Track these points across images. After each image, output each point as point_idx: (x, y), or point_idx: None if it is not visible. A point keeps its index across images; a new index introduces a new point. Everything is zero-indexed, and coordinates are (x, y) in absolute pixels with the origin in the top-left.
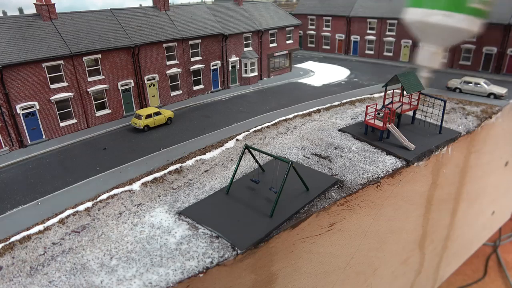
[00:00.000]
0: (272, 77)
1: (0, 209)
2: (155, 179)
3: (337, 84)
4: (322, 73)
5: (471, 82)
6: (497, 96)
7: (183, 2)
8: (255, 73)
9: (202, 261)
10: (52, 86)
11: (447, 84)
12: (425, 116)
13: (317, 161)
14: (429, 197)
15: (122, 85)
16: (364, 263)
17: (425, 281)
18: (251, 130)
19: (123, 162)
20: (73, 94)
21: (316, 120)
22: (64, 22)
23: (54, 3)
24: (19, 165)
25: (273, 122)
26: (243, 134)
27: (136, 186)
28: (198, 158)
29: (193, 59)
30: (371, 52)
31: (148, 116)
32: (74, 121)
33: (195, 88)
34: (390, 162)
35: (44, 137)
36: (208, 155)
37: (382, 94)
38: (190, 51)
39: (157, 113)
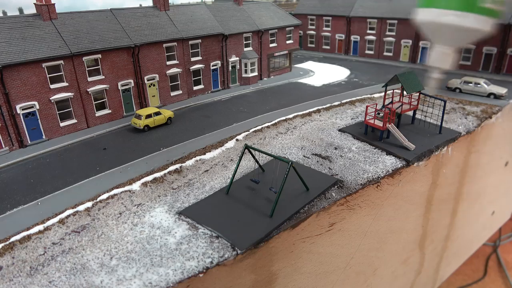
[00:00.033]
0: (272, 77)
1: (0, 209)
2: (155, 179)
3: (337, 84)
4: (322, 73)
5: (471, 82)
6: (497, 96)
7: (183, 2)
8: (255, 73)
9: (202, 261)
10: (52, 86)
11: (447, 84)
12: (425, 116)
13: (317, 161)
14: (429, 197)
15: (122, 85)
16: (364, 263)
17: (425, 281)
18: (251, 130)
19: (123, 162)
20: (73, 94)
21: (316, 120)
22: (64, 22)
23: (54, 3)
24: (19, 165)
25: (273, 122)
26: (243, 134)
27: (136, 186)
28: (198, 158)
29: (193, 59)
30: (371, 52)
31: (148, 116)
32: (74, 121)
33: (195, 88)
34: (390, 162)
35: (44, 137)
36: (208, 155)
37: (382, 94)
38: (190, 51)
39: (157, 113)
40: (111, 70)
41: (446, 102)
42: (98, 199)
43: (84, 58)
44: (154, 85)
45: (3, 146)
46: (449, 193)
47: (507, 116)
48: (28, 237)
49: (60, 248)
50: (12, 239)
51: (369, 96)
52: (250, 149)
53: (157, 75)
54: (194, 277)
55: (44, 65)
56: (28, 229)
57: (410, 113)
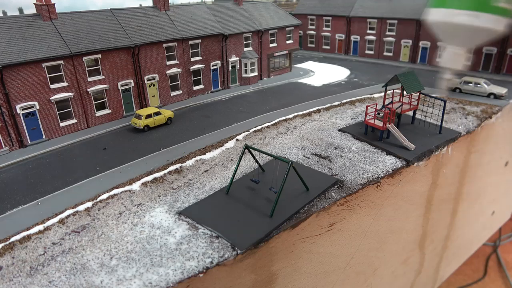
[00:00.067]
0: (272, 77)
1: (0, 209)
2: (155, 179)
3: (337, 84)
4: (322, 73)
5: (471, 82)
6: (497, 96)
7: (183, 2)
8: (255, 73)
9: (202, 261)
10: (52, 86)
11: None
12: (425, 116)
13: (317, 161)
14: (429, 197)
15: (122, 85)
16: (364, 263)
17: (425, 281)
18: (251, 130)
19: (123, 162)
20: (73, 94)
21: (316, 120)
22: (64, 22)
23: (54, 3)
24: (19, 165)
25: (273, 122)
26: (243, 134)
27: (136, 186)
28: (198, 158)
29: (193, 59)
30: (371, 52)
31: (148, 116)
32: (74, 121)
33: (195, 88)
34: (390, 162)
35: (44, 137)
36: (208, 155)
37: (382, 94)
38: (190, 51)
39: (157, 113)
40: (111, 70)
41: (446, 102)
42: (98, 199)
43: (84, 58)
44: (154, 85)
45: (3, 146)
46: (449, 193)
47: (507, 116)
48: (28, 237)
49: (60, 248)
50: (12, 239)
51: (369, 96)
52: (250, 149)
53: (157, 75)
54: (194, 277)
55: (44, 65)
56: (28, 229)
57: (410, 113)
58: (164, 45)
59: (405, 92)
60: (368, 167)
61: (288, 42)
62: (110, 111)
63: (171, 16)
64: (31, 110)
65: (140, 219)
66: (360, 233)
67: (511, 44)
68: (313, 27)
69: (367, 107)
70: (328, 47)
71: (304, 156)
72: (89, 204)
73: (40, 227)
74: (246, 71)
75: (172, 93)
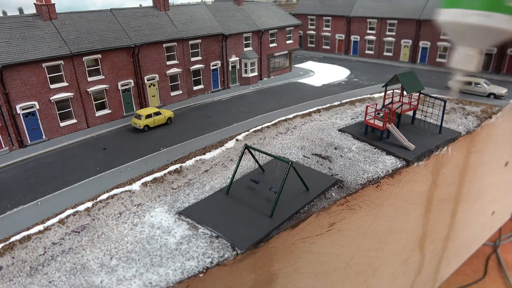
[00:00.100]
0: (272, 77)
1: (0, 209)
2: (155, 179)
3: (337, 84)
4: (322, 73)
5: (471, 82)
6: (497, 96)
7: (183, 2)
8: (255, 73)
9: (202, 261)
10: (52, 86)
11: (447, 84)
12: (425, 116)
13: (317, 161)
14: (429, 197)
15: (122, 85)
16: (364, 263)
17: (425, 281)
18: (251, 130)
19: (123, 162)
20: (73, 94)
21: (316, 120)
22: (64, 22)
23: (54, 3)
24: (19, 165)
25: (273, 122)
26: (243, 134)
27: (136, 186)
28: (198, 158)
29: (193, 59)
30: (371, 52)
31: (148, 116)
32: (74, 121)
33: (195, 88)
34: (390, 162)
35: (44, 137)
36: (208, 155)
37: (382, 94)
38: (190, 51)
39: (157, 113)
40: (111, 70)
41: (446, 102)
42: (98, 199)
43: (84, 58)
44: (154, 85)
45: (3, 146)
46: (449, 193)
47: (507, 116)
48: (28, 237)
49: (60, 248)
50: (12, 239)
51: (369, 96)
52: (250, 149)
53: (157, 75)
54: (194, 277)
55: (44, 65)
56: (28, 229)
57: (410, 113)
58: (164, 45)
59: (405, 92)
60: (368, 167)
61: (288, 42)
62: (110, 111)
63: (171, 16)
64: (31, 110)
65: (140, 219)
66: (360, 233)
67: (511, 44)
68: (313, 27)
69: (367, 107)
70: (328, 47)
71: (304, 156)
72: (89, 204)
73: (40, 227)
74: (246, 71)
75: (172, 93)
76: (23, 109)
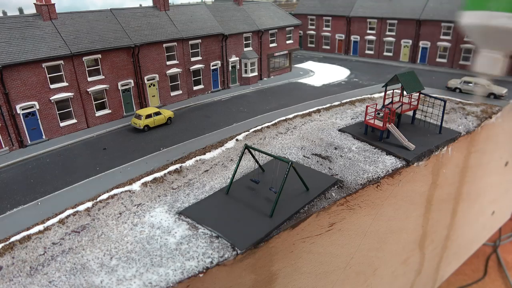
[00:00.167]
0: (272, 77)
1: (0, 209)
2: (155, 179)
3: (337, 84)
4: (322, 73)
5: (471, 82)
6: (497, 96)
7: (183, 2)
8: (255, 73)
9: (202, 261)
10: (52, 86)
11: (447, 84)
12: (425, 116)
13: (317, 161)
14: (429, 197)
15: (122, 85)
16: (364, 263)
17: (425, 281)
18: (251, 130)
19: (123, 162)
20: (73, 94)
21: (316, 120)
22: (64, 22)
23: (54, 3)
24: (19, 165)
25: (273, 122)
26: (243, 134)
27: (136, 186)
28: (198, 158)
29: (193, 59)
30: (371, 52)
31: (148, 116)
32: (74, 121)
33: (195, 88)
34: (390, 162)
35: (44, 137)
36: (208, 155)
37: (382, 94)
38: (190, 51)
39: (157, 113)
40: (111, 70)
41: (446, 102)
42: (98, 199)
43: (84, 58)
44: (154, 85)
45: (3, 146)
46: (449, 193)
47: (507, 116)
48: (28, 237)
49: (60, 248)
50: (12, 239)
51: (369, 96)
52: (250, 149)
53: (157, 75)
54: (194, 277)
55: (44, 65)
56: (28, 229)
57: (410, 113)
58: (164, 45)
59: (405, 92)
60: (368, 167)
61: (288, 42)
62: (110, 111)
63: (171, 16)
64: (31, 110)
65: (140, 219)
66: (360, 233)
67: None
68: (313, 27)
69: (367, 107)
70: (328, 47)
71: (304, 156)
72: (89, 204)
73: (40, 227)
74: (246, 71)
75: (172, 93)
76: (23, 109)
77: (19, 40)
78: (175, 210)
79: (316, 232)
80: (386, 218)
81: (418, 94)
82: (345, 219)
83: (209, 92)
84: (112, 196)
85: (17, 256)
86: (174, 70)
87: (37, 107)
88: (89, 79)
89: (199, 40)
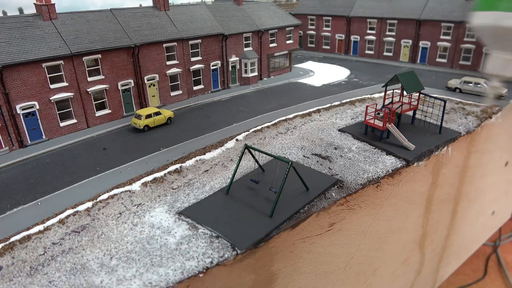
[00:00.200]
0: (272, 77)
1: (0, 209)
2: (155, 179)
3: (337, 84)
4: (322, 73)
5: (471, 82)
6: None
7: (183, 2)
8: (255, 73)
9: (202, 261)
10: (52, 86)
11: (447, 84)
12: (425, 116)
13: (317, 161)
14: (429, 197)
15: (122, 85)
16: (364, 263)
17: (425, 281)
18: (251, 130)
19: (123, 162)
20: (73, 94)
21: (316, 120)
22: (64, 22)
23: (54, 3)
24: (19, 165)
25: (273, 122)
26: (243, 134)
27: (136, 186)
28: (198, 158)
29: (193, 59)
30: (371, 52)
31: (148, 116)
32: (74, 121)
33: (195, 88)
34: (390, 162)
35: (44, 137)
36: (208, 155)
37: (382, 94)
38: (190, 51)
39: (157, 113)
40: (111, 70)
41: (446, 102)
42: (98, 199)
43: (84, 58)
44: (154, 85)
45: (3, 146)
46: (449, 193)
47: (507, 116)
48: (28, 237)
49: (60, 248)
50: (12, 239)
51: (369, 96)
52: (250, 149)
53: (157, 75)
54: (194, 277)
55: (44, 65)
56: (28, 229)
57: (410, 113)
58: (164, 45)
59: (405, 92)
60: (368, 167)
61: (288, 42)
62: (110, 111)
63: (171, 16)
64: (31, 110)
65: (140, 219)
66: (360, 233)
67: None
68: (313, 27)
69: (367, 107)
70: (328, 47)
71: (304, 156)
72: (89, 204)
73: (40, 227)
74: (246, 71)
75: (172, 93)
76: (23, 109)
77: (19, 40)
78: (175, 210)
79: (316, 232)
80: (386, 218)
81: (418, 94)
82: (345, 219)
83: (209, 92)
84: (112, 196)
85: (17, 256)
86: (174, 70)
87: (37, 107)
88: (89, 79)
89: (199, 40)
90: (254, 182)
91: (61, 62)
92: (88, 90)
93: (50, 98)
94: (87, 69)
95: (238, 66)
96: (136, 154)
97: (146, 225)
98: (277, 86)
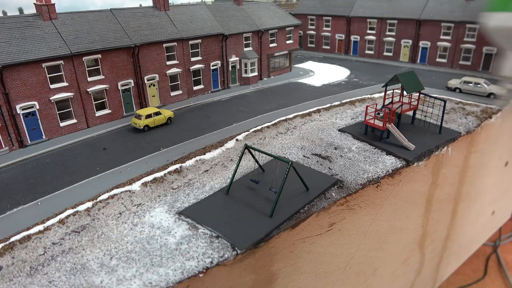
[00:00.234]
0: (272, 77)
1: (0, 209)
2: (155, 179)
3: (337, 84)
4: (322, 73)
5: (471, 82)
6: (497, 96)
7: (183, 2)
8: (255, 73)
9: (202, 261)
10: (52, 86)
11: (447, 84)
12: (425, 116)
13: (317, 161)
14: (429, 197)
15: (122, 85)
16: (364, 263)
17: (425, 281)
18: (251, 130)
19: (123, 162)
20: (73, 94)
21: (316, 120)
22: (64, 22)
23: (54, 3)
24: (19, 165)
25: (273, 122)
26: (243, 134)
27: (136, 186)
28: (198, 158)
29: (193, 59)
30: (371, 52)
31: (148, 116)
32: (74, 121)
33: (195, 88)
34: (390, 162)
35: (44, 137)
36: (208, 155)
37: (382, 94)
38: (190, 51)
39: (157, 113)
40: (111, 70)
41: (446, 102)
42: (98, 199)
43: (84, 58)
44: (154, 85)
45: (3, 146)
46: (449, 193)
47: (507, 116)
48: (28, 237)
49: (60, 248)
50: (12, 239)
51: (369, 96)
52: (250, 149)
53: (157, 75)
54: (194, 277)
55: (44, 65)
56: (28, 229)
57: (410, 113)
58: (164, 45)
59: (405, 92)
60: (368, 167)
61: (288, 42)
62: (110, 111)
63: (171, 16)
64: (31, 110)
65: (140, 219)
66: (360, 233)
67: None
68: (313, 27)
69: (367, 107)
70: (328, 47)
71: (304, 156)
72: (89, 204)
73: (40, 227)
74: (246, 71)
75: (172, 93)
76: (23, 109)
77: (19, 40)
78: (175, 210)
79: (316, 232)
80: (386, 218)
81: (418, 94)
82: (345, 219)
83: (209, 92)
84: (112, 196)
85: (17, 256)
86: (174, 70)
87: (37, 107)
88: (89, 79)
89: (199, 40)
90: (254, 182)
91: (61, 62)
92: (88, 90)
93: (50, 98)
94: (87, 69)
95: (238, 66)
96: (136, 154)
97: (146, 225)
98: (277, 86)
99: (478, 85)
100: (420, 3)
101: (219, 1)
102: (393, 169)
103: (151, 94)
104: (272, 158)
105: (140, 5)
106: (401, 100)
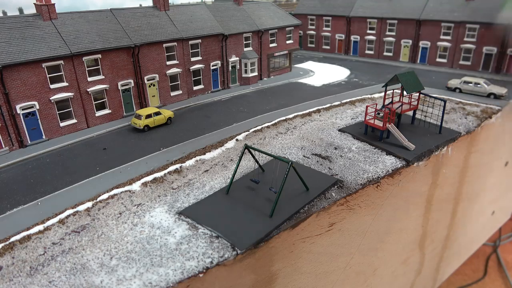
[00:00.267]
0: (272, 77)
1: (0, 209)
2: (155, 179)
3: (337, 84)
4: (322, 73)
5: (471, 82)
6: (497, 96)
7: (183, 2)
8: (255, 73)
9: (202, 261)
10: (52, 86)
11: (447, 84)
12: (425, 116)
13: (317, 161)
14: (429, 197)
15: (122, 85)
16: (364, 263)
17: (425, 281)
18: (251, 130)
19: (123, 162)
20: (73, 94)
21: (316, 120)
22: (64, 22)
23: (54, 3)
24: (19, 165)
25: (273, 122)
26: (243, 134)
27: (136, 186)
28: (198, 158)
29: (193, 59)
30: (371, 52)
31: (148, 116)
32: (74, 121)
33: (195, 88)
34: (390, 162)
35: (44, 137)
36: (208, 155)
37: (382, 94)
38: (190, 51)
39: (157, 113)
40: (111, 70)
41: (446, 102)
42: (98, 199)
43: (84, 58)
44: (154, 85)
45: (3, 146)
46: (449, 193)
47: (507, 116)
48: (28, 237)
49: (60, 248)
50: (12, 239)
51: (369, 96)
52: (250, 149)
53: (157, 75)
54: (194, 277)
55: (44, 65)
56: (28, 229)
57: (410, 113)
58: (164, 45)
59: (405, 92)
60: (368, 167)
61: (288, 42)
62: (110, 111)
63: (171, 16)
64: (31, 110)
65: (140, 219)
66: (360, 233)
67: (511, 44)
68: (313, 27)
69: (367, 107)
70: (328, 47)
71: (304, 156)
72: (89, 204)
73: (40, 227)
74: (246, 71)
75: (172, 93)
76: (23, 109)
77: (19, 40)
78: (175, 210)
79: (316, 232)
80: (386, 218)
81: (418, 94)
82: (345, 219)
83: (209, 92)
84: (112, 196)
85: (17, 256)
86: (174, 70)
87: (37, 107)
88: (89, 79)
89: (199, 40)
90: (254, 182)
91: (61, 62)
92: (88, 90)
93: (50, 98)
94: (87, 69)
95: (238, 66)
96: (136, 154)
97: (146, 225)
98: (277, 86)
99: (478, 85)
100: (420, 3)
101: (219, 1)
102: (393, 169)
103: (151, 94)
104: (272, 158)
105: (140, 5)
106: (401, 100)
